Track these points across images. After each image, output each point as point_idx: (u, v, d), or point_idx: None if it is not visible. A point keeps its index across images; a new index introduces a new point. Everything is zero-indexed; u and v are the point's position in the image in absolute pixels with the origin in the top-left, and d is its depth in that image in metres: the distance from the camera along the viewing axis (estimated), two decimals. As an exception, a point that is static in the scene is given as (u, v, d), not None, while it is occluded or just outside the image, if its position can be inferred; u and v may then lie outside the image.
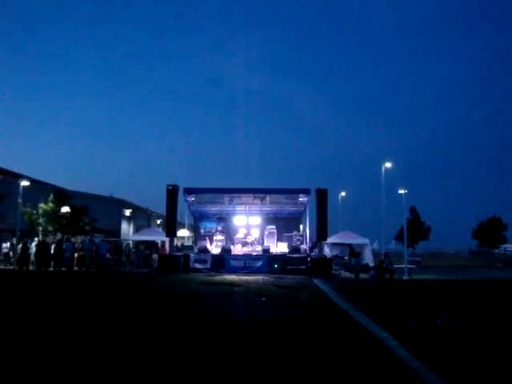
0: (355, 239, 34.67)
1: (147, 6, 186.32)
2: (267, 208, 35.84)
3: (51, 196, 35.51)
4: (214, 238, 33.78)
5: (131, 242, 40.26)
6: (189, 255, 29.56)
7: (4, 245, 32.93)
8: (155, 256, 32.39)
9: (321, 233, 29.88)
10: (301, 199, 33.58)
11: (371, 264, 30.10)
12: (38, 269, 28.69)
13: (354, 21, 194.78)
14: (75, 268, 30.65)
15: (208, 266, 29.03)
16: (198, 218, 37.08)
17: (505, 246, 53.71)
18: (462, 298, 16.17)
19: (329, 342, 8.80)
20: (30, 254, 30.43)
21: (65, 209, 34.40)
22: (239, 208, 35.94)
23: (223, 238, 33.74)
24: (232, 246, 32.22)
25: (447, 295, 17.13)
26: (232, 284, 21.02)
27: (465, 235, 58.76)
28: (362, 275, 25.74)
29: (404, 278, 27.18)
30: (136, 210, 53.35)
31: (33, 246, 30.36)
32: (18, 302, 14.04)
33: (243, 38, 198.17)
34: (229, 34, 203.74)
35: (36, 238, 32.36)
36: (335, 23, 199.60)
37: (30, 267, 29.50)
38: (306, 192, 31.74)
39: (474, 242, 58.85)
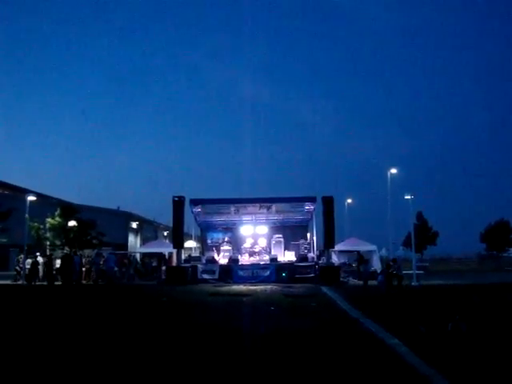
0: (363, 246, 34.58)
1: (150, 13, 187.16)
2: (274, 217, 35.86)
3: (58, 210, 35.63)
4: (221, 248, 33.80)
5: (138, 255, 40.30)
6: (196, 266, 29.58)
7: (28, 260, 32.65)
8: (163, 268, 32.42)
9: (328, 240, 29.83)
10: (307, 207, 33.60)
11: (379, 271, 30.02)
12: (50, 283, 28.82)
13: (355, 29, 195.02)
14: (83, 281, 30.72)
15: (216, 276, 29.04)
16: (205, 229, 37.11)
17: (513, 249, 53.54)
18: (471, 303, 16.07)
19: (339, 350, 8.77)
20: (38, 269, 30.66)
21: (72, 223, 34.48)
22: (246, 218, 35.98)
23: (230, 248, 33.75)
24: (239, 256, 32.21)
25: (456, 300, 17.03)
26: (240, 294, 20.99)
27: (473, 239, 58.71)
28: (371, 282, 25.66)
29: (413, 283, 27.09)
30: (143, 222, 53.47)
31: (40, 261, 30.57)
32: (25, 316, 14.06)
33: (247, 48, 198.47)
34: (232, 44, 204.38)
35: (37, 253, 32.42)
36: (337, 32, 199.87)
37: (38, 282, 29.70)
38: (312, 200, 31.75)
39: (483, 246, 58.76)
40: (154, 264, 36.68)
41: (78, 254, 33.08)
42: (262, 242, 34.72)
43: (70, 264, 29.82)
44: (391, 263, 25.15)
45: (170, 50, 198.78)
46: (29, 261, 30.84)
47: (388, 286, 22.37)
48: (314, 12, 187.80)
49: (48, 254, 35.00)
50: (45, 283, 29.86)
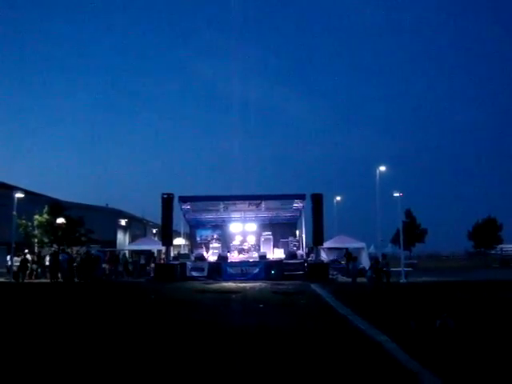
0: (351, 243, 34.68)
1: (143, 12, 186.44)
2: (263, 214, 35.84)
3: (46, 207, 35.38)
4: (211, 245, 33.71)
5: (127, 252, 40.13)
6: (185, 263, 29.54)
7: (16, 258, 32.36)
8: (152, 265, 32.33)
9: (317, 238, 29.90)
10: (296, 205, 33.61)
11: (368, 268, 30.14)
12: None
13: (347, 27, 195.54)
14: (75, 280, 30.58)
15: (205, 273, 29.01)
16: (194, 226, 37.05)
17: (501, 246, 53.80)
18: (459, 300, 16.19)
19: (328, 346, 8.80)
20: (28, 267, 30.53)
21: (60, 220, 34.25)
22: (235, 215, 35.96)
23: (219, 245, 33.68)
24: (228, 254, 32.20)
25: (444, 297, 17.15)
26: (229, 291, 20.99)
27: (461, 237, 58.97)
28: (360, 279, 25.74)
29: (401, 281, 27.20)
30: (132, 219, 53.19)
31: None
32: (13, 313, 13.97)
33: (238, 45, 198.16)
34: (223, 41, 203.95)
35: (26, 250, 32.25)
36: (328, 30, 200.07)
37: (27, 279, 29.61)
38: (302, 197, 31.79)
39: (470, 244, 59.05)
40: (143, 262, 36.54)
41: (67, 251, 32.94)
42: (251, 240, 34.72)
43: (56, 262, 29.72)
44: (380, 259, 25.23)
45: (160, 48, 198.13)
46: (16, 258, 30.61)
47: (376, 281, 22.45)
48: (306, 9, 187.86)
49: (37, 251, 34.80)
50: (33, 280, 29.75)
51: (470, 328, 10.36)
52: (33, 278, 31.20)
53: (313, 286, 23.76)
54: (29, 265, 31.03)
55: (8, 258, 33.04)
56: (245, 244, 34.04)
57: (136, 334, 10.29)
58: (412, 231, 55.55)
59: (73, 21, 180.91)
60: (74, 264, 31.78)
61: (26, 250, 32.57)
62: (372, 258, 31.46)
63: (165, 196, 29.87)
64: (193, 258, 30.95)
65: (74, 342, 9.36)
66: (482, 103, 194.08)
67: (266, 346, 8.83)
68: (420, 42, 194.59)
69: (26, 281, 29.76)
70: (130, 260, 38.18)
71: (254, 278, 28.21)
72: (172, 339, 9.58)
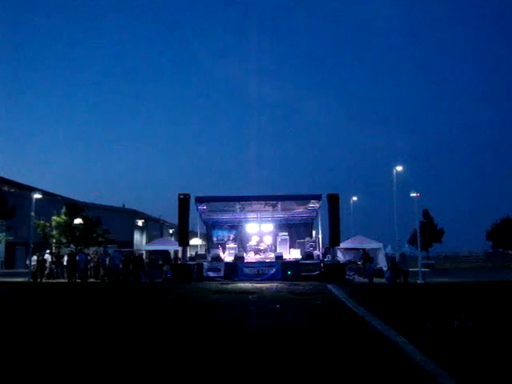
0: (368, 244, 34.50)
1: (157, 11, 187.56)
2: (279, 215, 35.85)
3: (64, 208, 35.72)
4: (227, 246, 33.79)
5: (144, 252, 40.36)
6: (202, 264, 29.61)
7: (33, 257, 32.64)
8: (168, 266, 32.43)
9: (333, 238, 29.77)
10: (312, 205, 33.55)
11: (385, 268, 29.96)
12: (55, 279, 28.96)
13: (363, 27, 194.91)
14: (92, 279, 30.81)
15: (221, 274, 29.07)
16: (211, 227, 37.13)
17: (520, 246, 53.27)
18: (478, 301, 16.01)
19: (344, 348, 8.75)
20: (45, 267, 30.81)
21: (78, 220, 34.57)
22: (251, 215, 35.99)
23: (236, 245, 33.75)
24: (245, 254, 32.23)
25: (463, 298, 16.98)
26: (246, 292, 20.98)
27: (479, 237, 58.41)
28: (376, 279, 25.59)
29: (418, 281, 26.99)
30: (148, 220, 53.57)
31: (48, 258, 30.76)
32: (31, 314, 14.09)
33: (254, 46, 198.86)
34: (239, 42, 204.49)
35: (48, 251, 32.57)
36: (344, 30, 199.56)
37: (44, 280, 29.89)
38: (318, 198, 31.72)
39: (489, 244, 58.49)
40: (161, 262, 36.66)
41: (84, 251, 33.19)
42: (268, 240, 34.72)
43: (73, 262, 29.97)
44: (396, 259, 25.02)
45: (176, 50, 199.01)
46: (34, 258, 30.91)
47: (394, 282, 22.32)
48: (321, 10, 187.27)
49: (55, 251, 35.14)
50: (51, 280, 30.04)
51: (489, 329, 10.23)
52: (51, 278, 31.48)
53: (329, 286, 23.66)
54: (47, 265, 31.31)
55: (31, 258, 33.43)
56: (261, 244, 34.03)
57: (153, 333, 10.31)
58: (429, 231, 55.26)
59: (83, 20, 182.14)
60: (91, 264, 32.02)
61: (48, 251, 32.91)
62: (388, 258, 31.29)
63: (181, 196, 29.95)
64: (209, 259, 31.00)
65: (91, 340, 9.42)
66: (502, 102, 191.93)
67: (282, 346, 8.80)
68: (438, 40, 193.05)
69: (44, 281, 30.03)
70: (147, 260, 38.34)
71: (271, 278, 28.20)
72: (188, 339, 9.59)
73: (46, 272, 31.07)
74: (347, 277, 29.24)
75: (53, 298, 19.91)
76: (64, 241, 35.18)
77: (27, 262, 32.16)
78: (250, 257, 32.43)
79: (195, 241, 40.82)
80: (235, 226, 36.70)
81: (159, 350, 8.61)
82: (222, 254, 32.36)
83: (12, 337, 10.09)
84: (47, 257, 31.83)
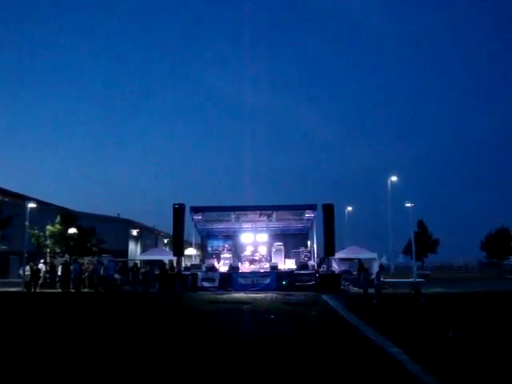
0: (363, 254, 34.44)
1: (153, 22, 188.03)
2: (274, 225, 35.78)
3: (58, 218, 35.59)
4: (222, 256, 33.68)
5: (139, 262, 40.21)
6: (196, 274, 29.49)
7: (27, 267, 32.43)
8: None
9: (328, 248, 29.73)
10: (307, 215, 33.54)
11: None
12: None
13: (358, 39, 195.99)
14: (86, 289, 30.64)
15: (216, 284, 28.95)
16: (205, 237, 37.01)
17: (514, 257, 53.40)
18: (472, 311, 16.02)
19: (338, 358, 8.74)
20: (39, 277, 30.65)
21: (72, 230, 34.44)
22: (246, 225, 35.92)
23: (230, 255, 33.64)
24: (239, 264, 32.14)
25: (457, 308, 16.97)
26: (240, 302, 20.94)
27: (473, 247, 58.44)
28: (371, 290, 25.54)
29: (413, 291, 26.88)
30: (143, 229, 53.39)
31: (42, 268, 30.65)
32: (23, 324, 14.01)
33: (248, 56, 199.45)
34: (234, 52, 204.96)
35: (42, 260, 32.43)
36: (339, 42, 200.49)
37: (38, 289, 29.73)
38: (313, 208, 31.72)
39: (483, 254, 58.51)
40: (157, 272, 36.54)
41: (78, 261, 33.03)
42: (263, 250, 34.64)
43: (67, 271, 29.82)
44: (375, 269, 24.98)
45: (172, 59, 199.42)
46: (27, 268, 30.74)
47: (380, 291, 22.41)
48: (317, 20, 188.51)
49: (49, 261, 34.97)
50: (45, 290, 29.85)
51: (483, 340, 10.24)
52: (45, 287, 31.31)
53: (324, 296, 23.64)
54: (41, 275, 31.16)
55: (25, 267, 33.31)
56: (256, 254, 33.94)
57: (147, 343, 10.27)
58: (424, 242, 55.11)
59: (81, 26, 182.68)
60: (85, 274, 31.86)
61: (42, 260, 32.74)
62: (382, 273, 31.31)
63: (176, 206, 29.89)
64: (204, 269, 30.91)
65: (86, 349, 9.38)
66: (497, 112, 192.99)
67: (275, 356, 8.78)
68: (433, 52, 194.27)
69: (37, 290, 29.85)
70: (143, 270, 38.23)
71: (265, 288, 28.11)
72: (182, 349, 9.56)
73: (39, 282, 30.90)
74: (342, 287, 29.18)
75: (47, 308, 19.79)
76: (58, 250, 35.00)
77: (21, 272, 31.98)
78: (245, 267, 32.33)
79: (190, 251, 40.69)
80: (230, 236, 36.60)
81: (153, 359, 8.58)
82: (216, 264, 32.25)
83: (7, 348, 10.04)
84: (41, 266, 31.68)
